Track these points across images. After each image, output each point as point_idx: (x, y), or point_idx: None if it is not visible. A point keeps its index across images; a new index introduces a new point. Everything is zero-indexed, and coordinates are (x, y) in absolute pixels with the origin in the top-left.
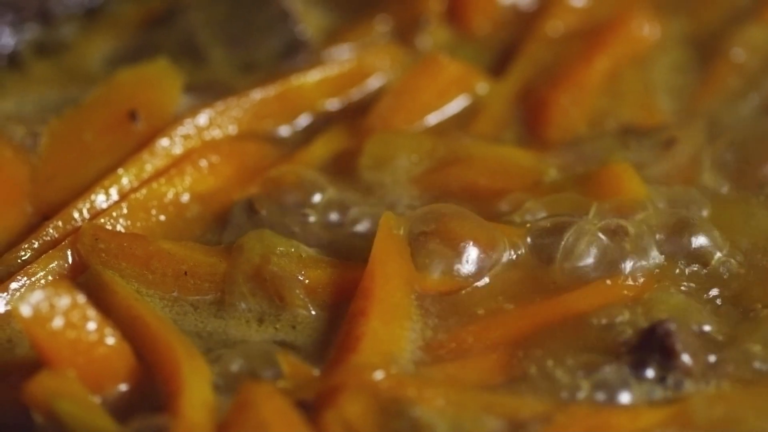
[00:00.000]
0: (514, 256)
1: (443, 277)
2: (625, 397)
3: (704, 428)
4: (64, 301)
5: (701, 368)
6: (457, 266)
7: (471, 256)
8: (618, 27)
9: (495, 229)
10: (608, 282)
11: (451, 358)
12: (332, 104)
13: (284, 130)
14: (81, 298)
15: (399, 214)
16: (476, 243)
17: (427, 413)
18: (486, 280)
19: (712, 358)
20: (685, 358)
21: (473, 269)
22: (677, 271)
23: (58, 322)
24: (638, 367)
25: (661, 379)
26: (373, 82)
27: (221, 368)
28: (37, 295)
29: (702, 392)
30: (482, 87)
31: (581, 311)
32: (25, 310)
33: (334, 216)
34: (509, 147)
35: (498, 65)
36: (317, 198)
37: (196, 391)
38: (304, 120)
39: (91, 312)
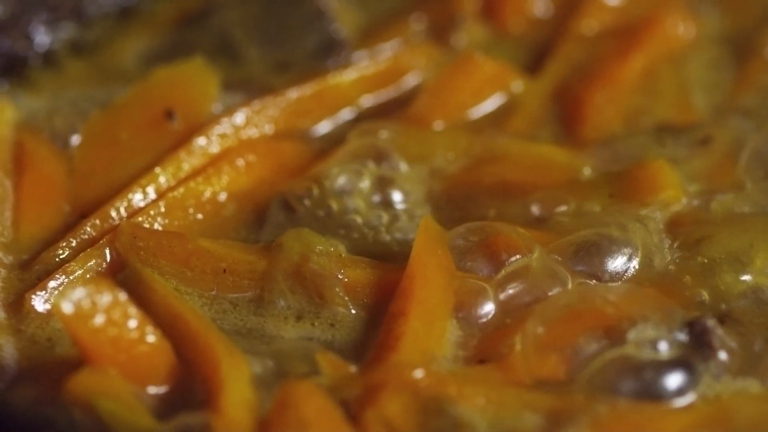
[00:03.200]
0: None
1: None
2: (666, 395)
3: (744, 428)
4: (105, 298)
5: (738, 365)
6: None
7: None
8: (653, 25)
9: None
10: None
11: (491, 357)
12: (368, 103)
13: (321, 129)
14: (122, 296)
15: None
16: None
17: (468, 411)
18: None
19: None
20: (722, 355)
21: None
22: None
23: (99, 320)
24: (678, 364)
25: (700, 377)
26: (409, 81)
27: (261, 366)
28: (79, 292)
29: (742, 391)
30: (517, 85)
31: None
32: (67, 307)
33: (372, 216)
34: (545, 145)
35: (533, 63)
36: (354, 197)
37: (236, 388)
38: (340, 119)
39: (132, 310)
